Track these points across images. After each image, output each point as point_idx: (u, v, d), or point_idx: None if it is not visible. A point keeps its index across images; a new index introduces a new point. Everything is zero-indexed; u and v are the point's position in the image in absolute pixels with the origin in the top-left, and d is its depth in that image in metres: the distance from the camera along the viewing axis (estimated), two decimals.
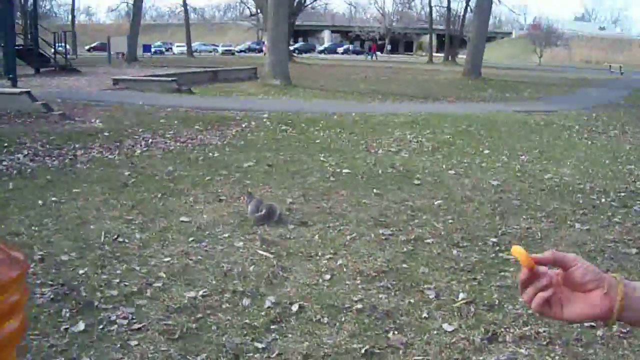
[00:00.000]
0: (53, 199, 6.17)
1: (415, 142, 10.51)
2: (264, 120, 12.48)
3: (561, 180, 7.76)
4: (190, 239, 5.15)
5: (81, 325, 3.57)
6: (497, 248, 5.13)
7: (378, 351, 3.41)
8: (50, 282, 4.14)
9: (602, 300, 1.08)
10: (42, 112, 11.77)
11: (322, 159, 8.67)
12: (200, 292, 4.07)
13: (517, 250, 1.12)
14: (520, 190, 7.24)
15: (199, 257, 4.74)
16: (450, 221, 5.86)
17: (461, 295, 4.12)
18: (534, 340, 3.55)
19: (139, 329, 3.58)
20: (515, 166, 8.68)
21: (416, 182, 7.44)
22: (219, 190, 6.70)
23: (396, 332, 3.61)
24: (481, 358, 3.35)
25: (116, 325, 3.61)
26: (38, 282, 4.13)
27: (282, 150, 9.29)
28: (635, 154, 10.02)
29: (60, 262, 4.54)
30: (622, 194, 7.13)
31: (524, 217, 6.10)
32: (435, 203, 6.47)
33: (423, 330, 3.66)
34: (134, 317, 3.71)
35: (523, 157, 9.48)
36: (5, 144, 8.77)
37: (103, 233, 5.20)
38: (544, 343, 3.54)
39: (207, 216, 5.78)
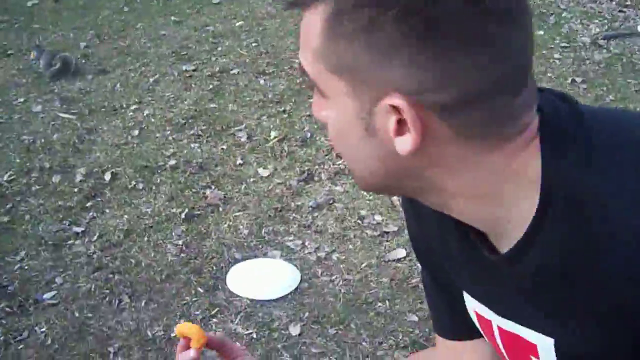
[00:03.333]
0: None
1: None
2: None
3: None
4: None
5: None
6: None
7: (198, 212, 3.46)
8: None
9: None
10: None
11: None
12: (5, 177, 3.86)
13: (188, 328, 1.03)
14: None
15: None
16: (254, 44, 5.78)
17: (273, 133, 4.17)
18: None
19: None
20: None
21: (215, 0, 7.16)
22: (3, 43, 6.15)
23: (213, 187, 3.65)
24: (299, 203, 3.48)
25: None
26: None
27: None
28: None
29: None
30: None
31: None
32: (237, 24, 6.31)
33: (239, 179, 3.72)
34: None
35: None
36: None
37: None
38: None
39: None
